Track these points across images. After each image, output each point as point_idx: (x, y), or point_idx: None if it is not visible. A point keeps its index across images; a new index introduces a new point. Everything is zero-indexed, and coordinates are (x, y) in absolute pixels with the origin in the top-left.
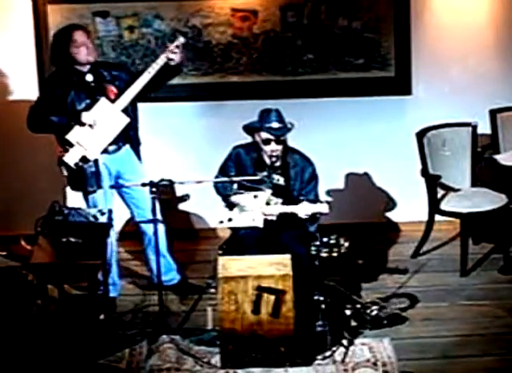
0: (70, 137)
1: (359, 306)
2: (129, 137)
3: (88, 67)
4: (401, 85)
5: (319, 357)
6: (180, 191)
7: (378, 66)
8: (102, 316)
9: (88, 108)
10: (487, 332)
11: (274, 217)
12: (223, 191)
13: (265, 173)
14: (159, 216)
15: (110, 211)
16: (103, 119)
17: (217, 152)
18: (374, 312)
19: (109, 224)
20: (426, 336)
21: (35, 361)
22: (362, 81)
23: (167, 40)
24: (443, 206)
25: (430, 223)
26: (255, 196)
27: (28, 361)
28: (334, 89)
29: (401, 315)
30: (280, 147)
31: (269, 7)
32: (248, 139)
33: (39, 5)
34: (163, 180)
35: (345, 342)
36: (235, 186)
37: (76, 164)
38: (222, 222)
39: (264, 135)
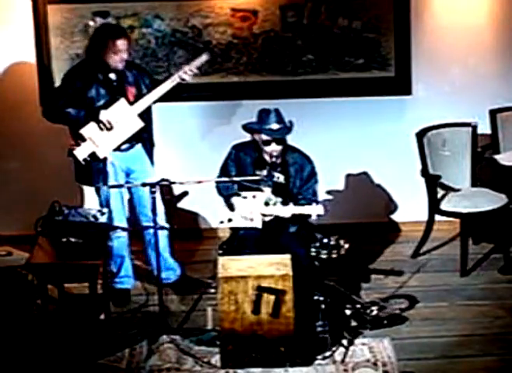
0: (84, 131)
1: (359, 306)
2: (142, 138)
3: None
4: (401, 85)
5: (319, 357)
6: (179, 191)
7: (378, 66)
8: (102, 316)
9: (106, 106)
10: (487, 332)
11: (272, 218)
12: (225, 191)
13: (265, 172)
14: (161, 215)
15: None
16: (119, 119)
17: (217, 152)
18: (374, 312)
19: (111, 224)
20: (426, 336)
21: (35, 361)
22: (362, 81)
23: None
24: (443, 206)
25: (430, 223)
26: (254, 197)
27: (28, 361)
28: (334, 89)
29: (401, 315)
30: (280, 147)
31: (269, 7)
32: (247, 137)
33: (39, 5)
34: (163, 180)
35: (345, 342)
36: (235, 185)
37: (85, 159)
38: (222, 222)
39: (265, 137)
